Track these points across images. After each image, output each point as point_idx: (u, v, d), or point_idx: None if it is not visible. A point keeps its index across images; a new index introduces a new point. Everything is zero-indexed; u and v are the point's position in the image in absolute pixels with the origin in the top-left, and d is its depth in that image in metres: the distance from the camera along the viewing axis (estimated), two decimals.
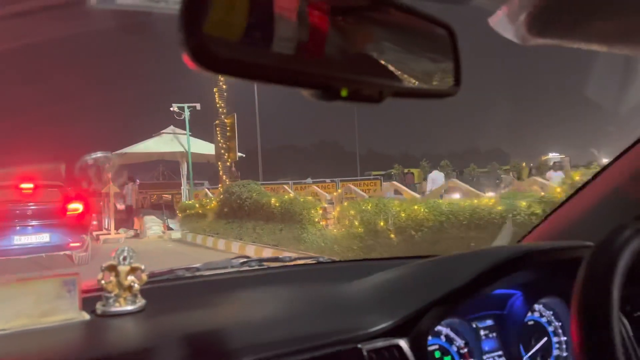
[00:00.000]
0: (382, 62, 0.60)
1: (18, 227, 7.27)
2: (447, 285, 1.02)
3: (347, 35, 0.56)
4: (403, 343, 0.93)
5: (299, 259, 1.68)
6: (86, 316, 1.02)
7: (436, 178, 13.12)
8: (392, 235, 6.93)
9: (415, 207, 6.85)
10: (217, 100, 13.22)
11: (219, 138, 13.65)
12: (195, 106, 14.89)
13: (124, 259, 1.08)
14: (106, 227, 13.51)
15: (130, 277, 1.07)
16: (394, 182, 13.95)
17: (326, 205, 9.66)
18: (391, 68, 0.61)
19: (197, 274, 1.37)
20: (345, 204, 8.32)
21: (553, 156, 22.98)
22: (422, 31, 0.64)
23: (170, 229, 13.63)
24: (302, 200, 9.03)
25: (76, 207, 7.77)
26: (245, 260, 1.51)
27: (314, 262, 1.65)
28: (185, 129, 15.35)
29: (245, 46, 0.46)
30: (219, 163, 13.26)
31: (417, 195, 9.84)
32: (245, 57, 0.47)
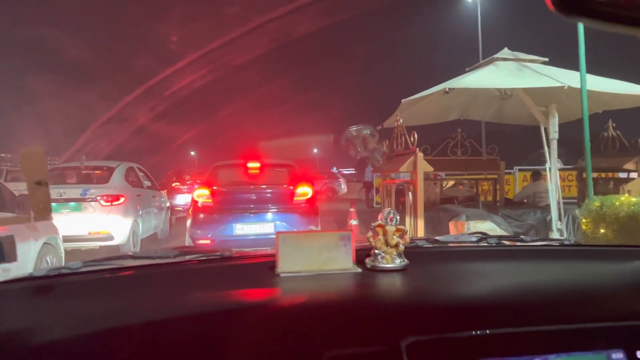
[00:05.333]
0: None
1: (240, 214, 6.21)
2: None
3: None
4: None
5: (541, 240, 1.64)
6: (358, 269, 1.15)
7: None
8: None
9: None
10: None
11: None
12: None
13: (391, 219, 1.16)
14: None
15: (396, 238, 1.15)
16: None
17: None
18: None
19: (437, 245, 1.46)
20: None
21: None
22: None
23: None
24: None
25: (305, 191, 6.52)
26: (483, 237, 1.53)
27: (557, 244, 1.61)
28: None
29: None
30: None
31: None
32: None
